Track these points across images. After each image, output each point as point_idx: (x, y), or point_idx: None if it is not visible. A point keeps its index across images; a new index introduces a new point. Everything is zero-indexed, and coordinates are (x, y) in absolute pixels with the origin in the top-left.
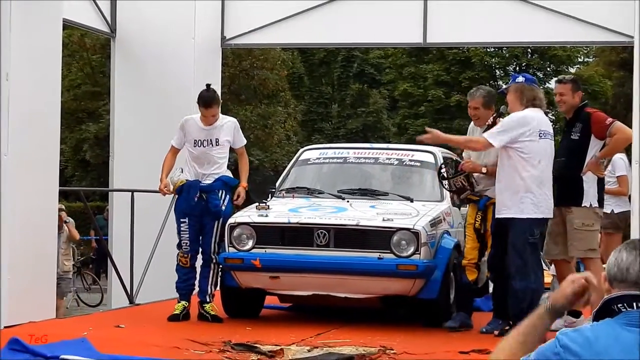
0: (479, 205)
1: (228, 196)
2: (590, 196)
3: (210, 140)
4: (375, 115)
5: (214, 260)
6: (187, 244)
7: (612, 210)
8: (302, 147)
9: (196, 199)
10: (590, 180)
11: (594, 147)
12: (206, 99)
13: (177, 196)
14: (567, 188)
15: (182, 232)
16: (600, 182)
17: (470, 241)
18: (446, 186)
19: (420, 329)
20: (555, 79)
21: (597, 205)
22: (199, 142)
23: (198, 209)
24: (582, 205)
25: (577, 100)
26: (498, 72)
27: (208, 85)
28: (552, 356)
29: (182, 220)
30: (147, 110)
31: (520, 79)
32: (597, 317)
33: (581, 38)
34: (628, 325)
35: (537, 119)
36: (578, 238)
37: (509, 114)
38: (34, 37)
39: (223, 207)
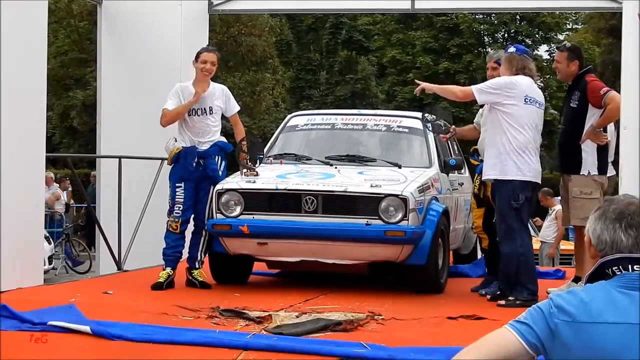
0: (476, 169)
1: (224, 162)
2: (589, 164)
3: (204, 108)
4: (363, 82)
5: (206, 227)
6: (180, 210)
7: None
8: (290, 114)
9: (194, 164)
10: (590, 149)
11: (593, 115)
12: (207, 47)
13: (172, 164)
14: (567, 156)
15: (176, 198)
16: (602, 150)
17: (474, 208)
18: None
19: (408, 295)
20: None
21: (596, 173)
22: (194, 110)
23: (195, 175)
24: (581, 173)
25: (574, 68)
26: (486, 39)
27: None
28: (545, 317)
29: (177, 185)
30: (134, 76)
31: (512, 49)
32: (591, 279)
33: (570, 4)
34: (624, 288)
35: (524, 84)
36: (576, 206)
37: None
38: (19, 3)
39: (220, 173)
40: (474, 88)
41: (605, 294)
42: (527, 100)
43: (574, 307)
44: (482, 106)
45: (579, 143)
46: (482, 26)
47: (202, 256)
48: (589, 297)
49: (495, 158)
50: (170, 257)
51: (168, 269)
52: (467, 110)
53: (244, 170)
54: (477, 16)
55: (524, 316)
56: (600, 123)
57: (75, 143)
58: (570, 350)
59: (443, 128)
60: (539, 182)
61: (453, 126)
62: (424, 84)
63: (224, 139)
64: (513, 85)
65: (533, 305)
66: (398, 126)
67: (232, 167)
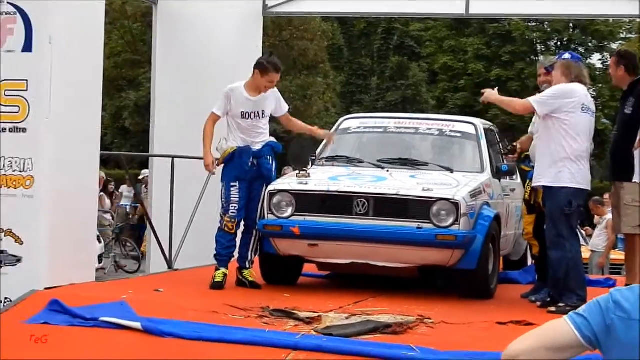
0: (527, 175)
1: (275, 162)
2: None
3: (257, 112)
4: (414, 88)
5: (257, 227)
6: (235, 209)
7: None
8: (343, 117)
9: (249, 164)
10: None
11: None
12: (277, 64)
13: (223, 165)
14: (619, 163)
15: (231, 197)
16: None
17: (524, 214)
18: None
19: (458, 299)
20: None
21: None
22: (247, 114)
23: (250, 175)
24: (633, 181)
25: (620, 73)
26: (539, 46)
27: (271, 53)
28: (603, 311)
29: (232, 184)
30: (188, 77)
31: (567, 55)
32: None
33: (625, 12)
34: None
35: (581, 93)
36: (628, 214)
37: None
38: (78, 2)
39: (273, 173)
40: (532, 101)
41: None
42: (583, 108)
43: (631, 304)
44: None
45: (631, 150)
46: (534, 34)
47: (253, 256)
48: None
49: (549, 165)
50: (225, 257)
51: (223, 269)
52: (517, 117)
53: (296, 172)
54: (530, 24)
55: (582, 309)
56: None
57: (127, 143)
58: (622, 348)
59: (509, 147)
60: (589, 189)
61: (515, 143)
62: (488, 93)
63: (274, 139)
64: (571, 93)
65: (593, 299)
66: (451, 131)
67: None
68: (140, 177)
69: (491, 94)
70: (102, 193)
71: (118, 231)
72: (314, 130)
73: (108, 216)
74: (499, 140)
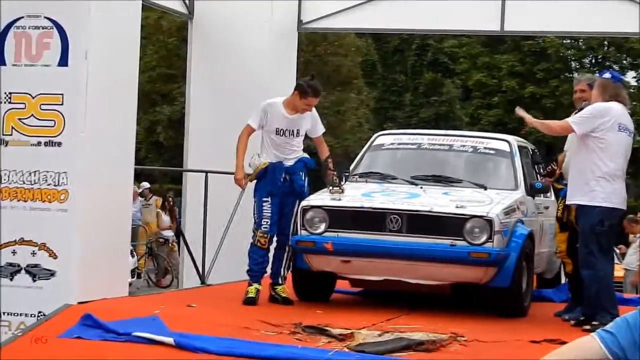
0: (560, 193)
1: (307, 178)
2: None
3: (293, 130)
4: (448, 104)
5: (289, 242)
6: (268, 224)
7: None
8: (377, 133)
9: (282, 179)
10: None
11: None
12: (317, 88)
13: (255, 180)
14: None
15: (264, 212)
16: None
17: (557, 232)
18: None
19: (491, 317)
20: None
21: None
22: (282, 131)
23: (282, 190)
24: None
25: None
26: (574, 64)
27: (313, 76)
28: (631, 328)
29: (265, 199)
30: (222, 92)
31: (607, 75)
32: None
33: None
34: None
35: (618, 111)
36: None
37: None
38: (114, 17)
39: (306, 189)
40: (571, 122)
41: None
42: (620, 127)
43: None
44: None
45: None
46: (569, 51)
47: (285, 272)
48: None
49: (583, 183)
50: (258, 272)
51: (255, 285)
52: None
53: (331, 187)
54: (564, 41)
55: (610, 325)
56: None
57: (160, 158)
58: None
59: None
60: (625, 208)
61: (553, 165)
62: (525, 116)
63: (307, 155)
64: (607, 112)
65: (621, 316)
66: (485, 148)
67: (315, 184)
68: (138, 190)
69: (527, 117)
70: (159, 210)
71: (150, 246)
72: (329, 171)
73: (167, 233)
74: (537, 160)
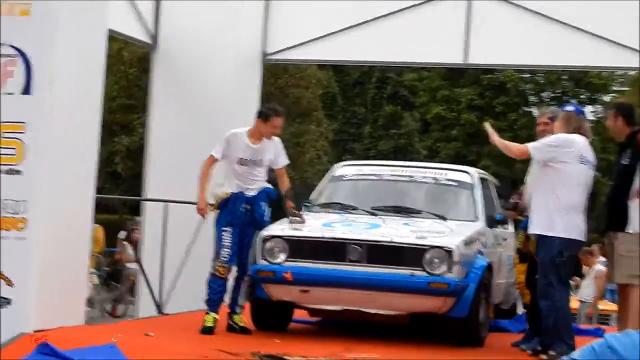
0: (520, 225)
1: (269, 209)
2: (635, 222)
3: (255, 160)
4: (406, 137)
5: (248, 272)
6: (227, 255)
7: None
8: (337, 164)
9: (243, 210)
10: (637, 206)
11: None
12: (277, 108)
13: (218, 210)
14: (614, 213)
15: (224, 242)
16: None
17: (516, 263)
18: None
19: (449, 347)
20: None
21: None
22: (244, 160)
23: (242, 220)
24: (626, 231)
25: (619, 124)
26: (532, 98)
27: (268, 99)
28: (597, 355)
29: (225, 229)
30: (184, 122)
31: (570, 107)
32: None
33: (624, 63)
34: None
35: (581, 144)
36: (622, 264)
37: None
38: (79, 46)
39: (266, 219)
40: (530, 146)
41: None
42: (582, 160)
43: (624, 348)
44: (528, 163)
45: (626, 201)
46: (527, 85)
47: (244, 301)
48: None
49: (543, 214)
50: (216, 302)
51: (213, 314)
52: (508, 168)
53: (292, 218)
54: (523, 75)
55: (576, 353)
56: None
57: (117, 188)
58: None
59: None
60: (584, 240)
61: (515, 198)
62: (490, 132)
63: (270, 186)
64: (570, 143)
65: (588, 344)
66: (446, 179)
67: (276, 214)
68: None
69: (492, 133)
70: (125, 242)
71: (105, 276)
72: (289, 203)
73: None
74: (500, 193)
